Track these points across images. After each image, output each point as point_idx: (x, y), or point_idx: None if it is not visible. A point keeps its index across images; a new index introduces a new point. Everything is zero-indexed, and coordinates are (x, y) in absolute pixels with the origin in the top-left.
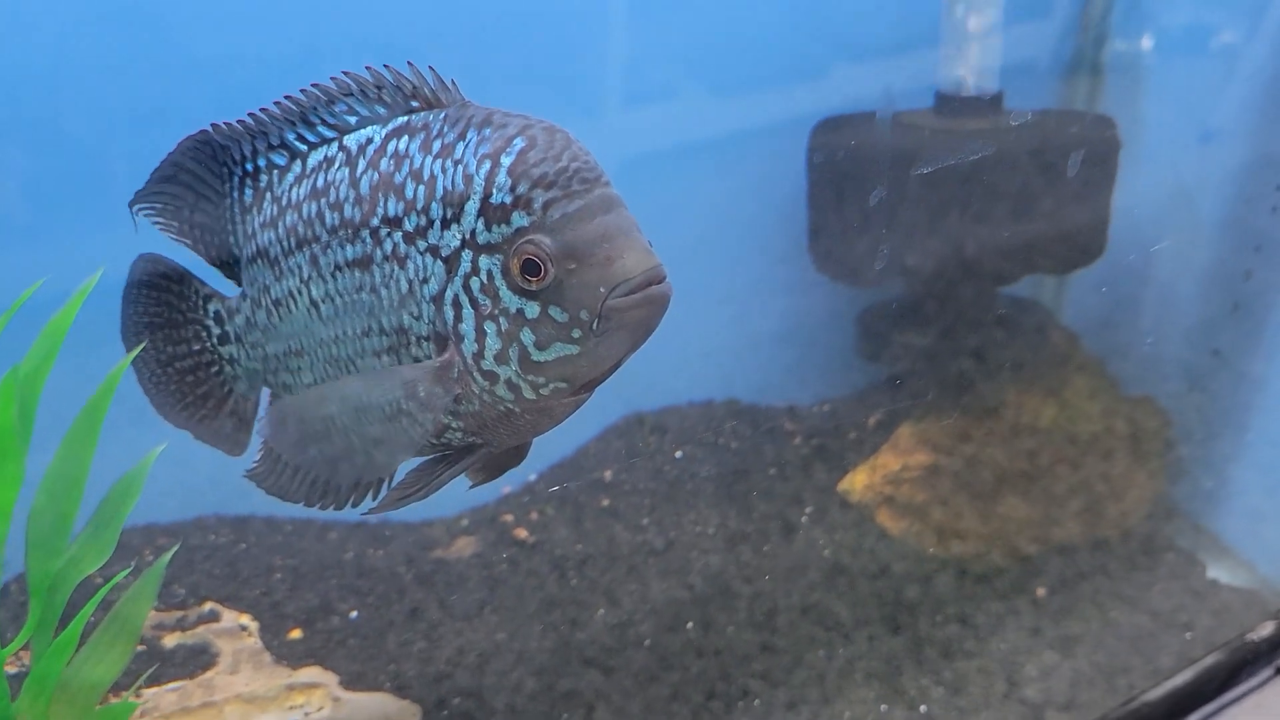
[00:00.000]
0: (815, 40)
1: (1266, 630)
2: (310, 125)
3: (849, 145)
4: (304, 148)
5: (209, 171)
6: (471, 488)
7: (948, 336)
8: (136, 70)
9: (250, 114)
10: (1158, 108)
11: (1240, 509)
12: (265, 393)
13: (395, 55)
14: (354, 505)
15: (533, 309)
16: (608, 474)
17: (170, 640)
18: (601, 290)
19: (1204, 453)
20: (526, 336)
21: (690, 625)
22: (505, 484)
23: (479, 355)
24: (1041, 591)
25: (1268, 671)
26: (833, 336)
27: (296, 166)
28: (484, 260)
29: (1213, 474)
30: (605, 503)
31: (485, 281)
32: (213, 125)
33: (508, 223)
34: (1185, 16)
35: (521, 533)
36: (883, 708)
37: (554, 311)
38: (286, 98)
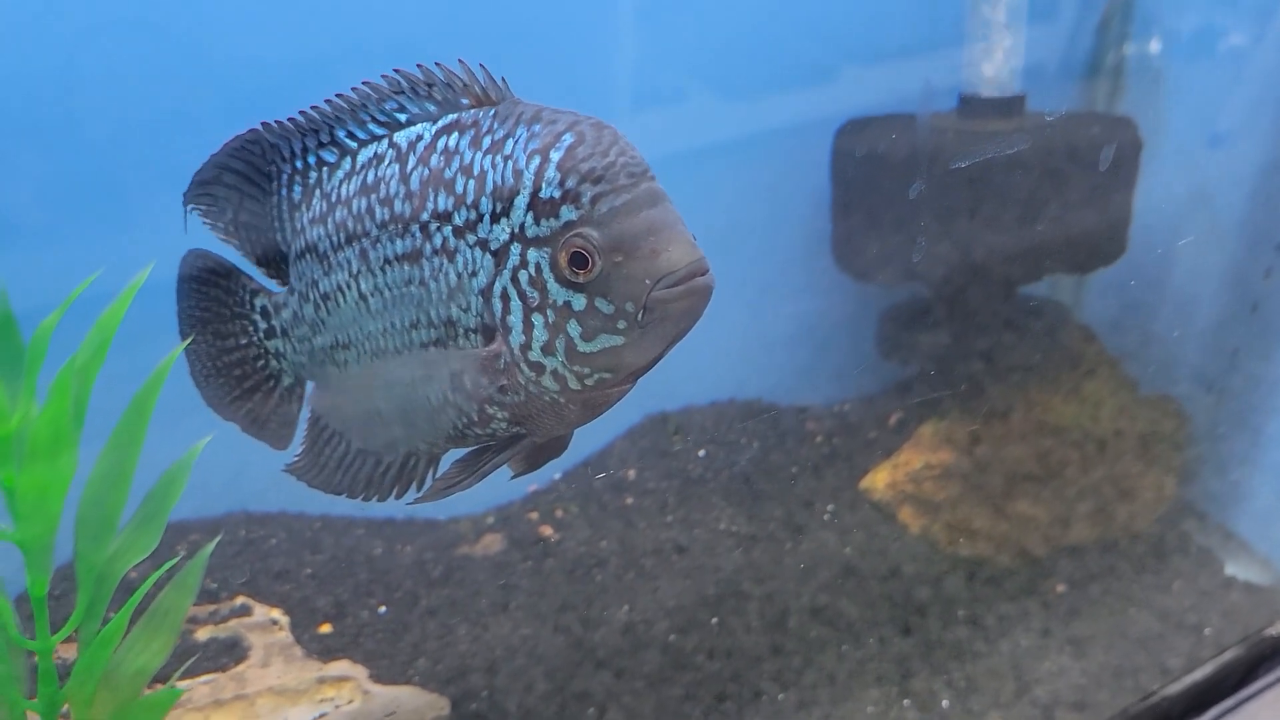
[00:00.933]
0: (826, 43)
1: None
2: (360, 123)
3: (874, 146)
4: (354, 145)
5: (255, 170)
6: (513, 478)
7: (967, 336)
8: (152, 75)
9: (301, 112)
10: (1175, 109)
11: (1257, 506)
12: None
13: (405, 60)
14: (398, 497)
15: (580, 301)
16: (631, 473)
17: (203, 634)
18: (647, 282)
19: (1221, 451)
20: (573, 328)
21: (714, 621)
22: (532, 482)
23: (526, 347)
24: (1061, 588)
25: None
26: (853, 337)
27: (346, 163)
28: (532, 253)
29: (1230, 472)
30: (629, 501)
31: (533, 274)
32: (263, 124)
33: (556, 216)
34: (1200, 20)
35: (547, 530)
36: (905, 702)
37: (600, 303)
38: (338, 95)
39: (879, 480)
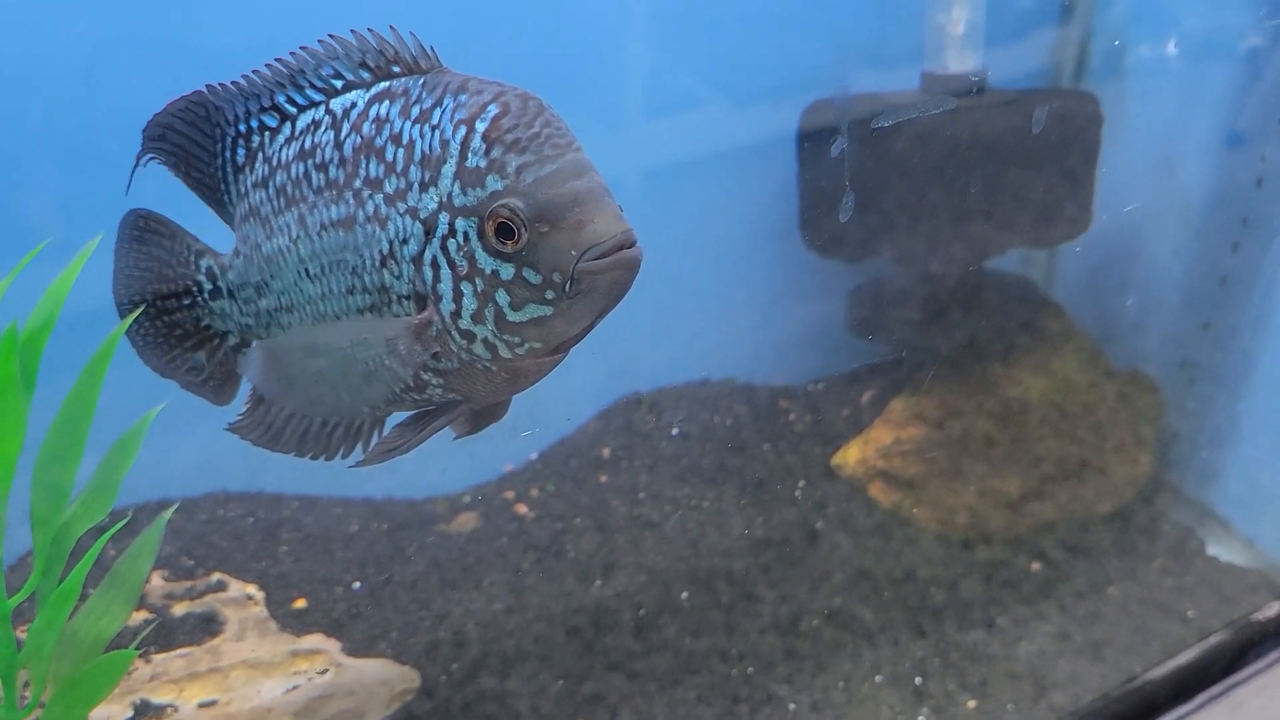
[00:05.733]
0: (834, 49)
1: (1273, 610)
2: (299, 88)
3: (834, 124)
4: (294, 110)
5: (200, 131)
6: (456, 439)
7: (937, 312)
8: (169, 88)
9: (244, 75)
10: (1145, 90)
11: (1234, 485)
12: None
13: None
14: (343, 456)
15: (507, 270)
16: (606, 451)
17: (179, 609)
18: (573, 253)
19: (1196, 427)
20: (501, 297)
21: (684, 596)
22: (507, 462)
23: (456, 315)
24: (1036, 566)
25: (1276, 653)
26: (827, 316)
27: (286, 128)
28: (460, 222)
29: (1206, 448)
30: (603, 479)
31: (462, 243)
32: (207, 86)
33: (482, 186)
34: (1175, 7)
35: (522, 508)
36: (878, 678)
37: (528, 273)
38: (277, 60)
39: (850, 456)
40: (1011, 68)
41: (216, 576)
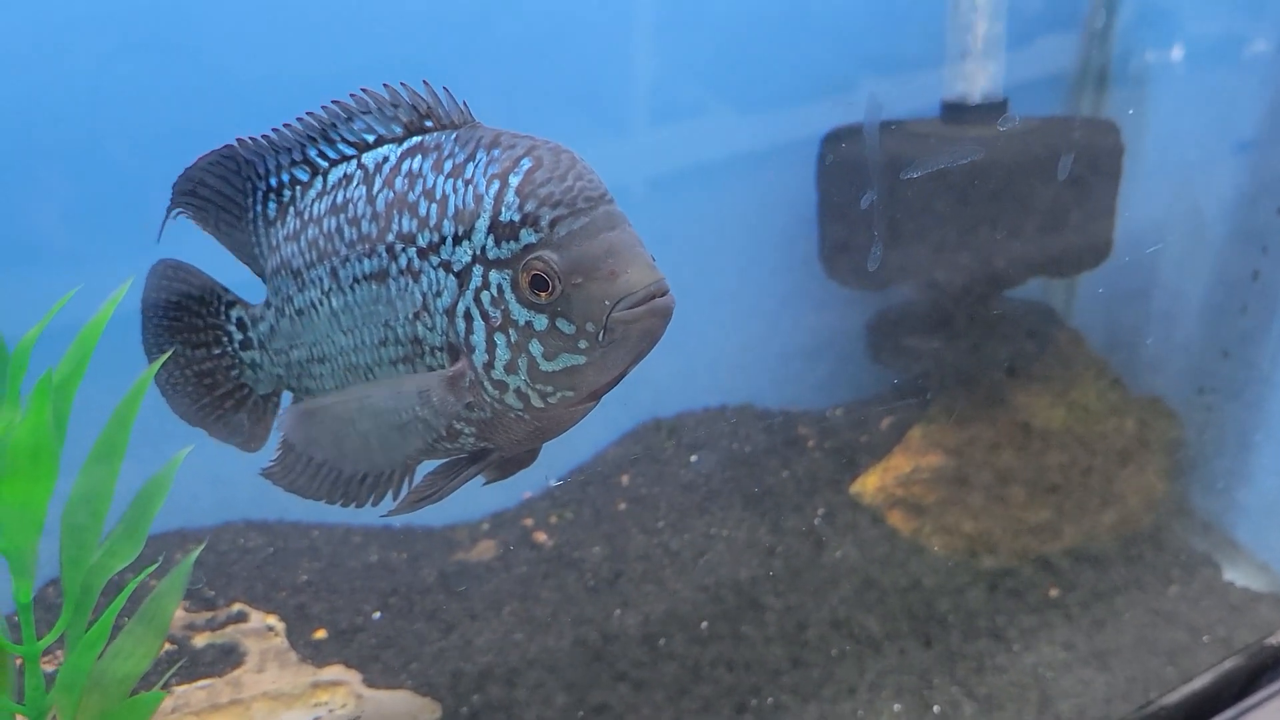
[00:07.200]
0: (841, 56)
1: None
2: (330, 142)
3: (856, 154)
4: (325, 164)
5: (231, 185)
6: (486, 484)
7: (956, 339)
8: (174, 96)
9: (274, 129)
10: (1164, 113)
11: (1252, 510)
12: (286, 395)
13: (424, 76)
14: (374, 505)
15: (541, 321)
16: (625, 478)
17: (200, 640)
18: (607, 303)
19: (1215, 454)
20: (535, 348)
21: (704, 625)
22: (526, 489)
23: (489, 365)
24: (1054, 592)
25: None
26: (845, 342)
27: (318, 182)
28: (494, 275)
29: (1224, 475)
30: (622, 506)
31: (495, 295)
32: (238, 140)
33: (516, 239)
34: (1191, 25)
35: (541, 536)
36: (896, 707)
37: (561, 324)
38: (308, 114)
39: (869, 484)
40: (1030, 76)
41: (237, 607)
